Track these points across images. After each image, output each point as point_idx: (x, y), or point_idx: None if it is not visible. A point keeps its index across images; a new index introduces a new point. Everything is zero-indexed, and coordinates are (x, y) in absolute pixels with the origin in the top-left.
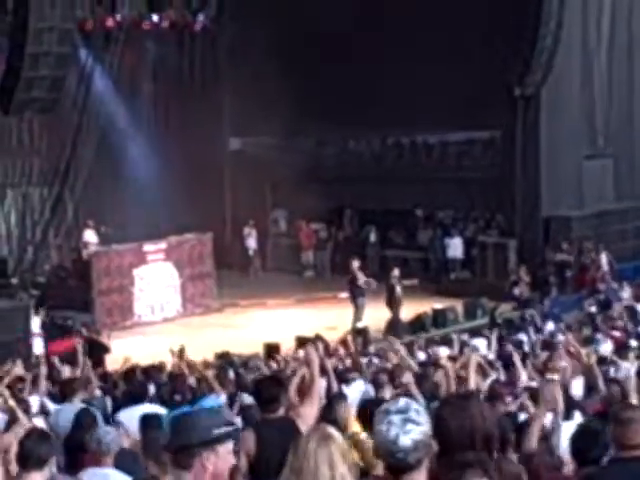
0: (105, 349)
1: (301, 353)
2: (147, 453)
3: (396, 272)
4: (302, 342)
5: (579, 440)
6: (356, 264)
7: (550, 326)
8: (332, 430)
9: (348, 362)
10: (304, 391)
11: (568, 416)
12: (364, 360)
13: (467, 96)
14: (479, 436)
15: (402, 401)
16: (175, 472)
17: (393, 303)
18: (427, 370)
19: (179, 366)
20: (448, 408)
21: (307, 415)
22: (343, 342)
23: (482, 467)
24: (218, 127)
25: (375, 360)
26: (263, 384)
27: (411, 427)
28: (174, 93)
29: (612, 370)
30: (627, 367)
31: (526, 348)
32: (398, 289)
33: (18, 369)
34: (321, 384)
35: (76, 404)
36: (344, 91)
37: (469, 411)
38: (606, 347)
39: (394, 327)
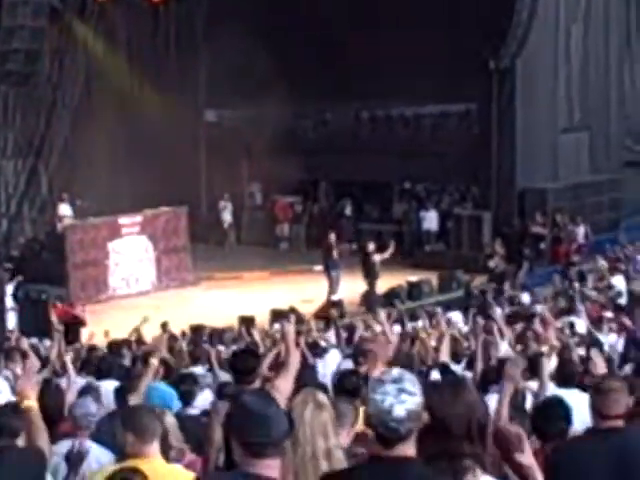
0: (81, 322)
1: (277, 327)
2: (126, 423)
3: (371, 246)
4: (277, 315)
5: (539, 415)
6: (333, 237)
7: (525, 298)
8: (324, 398)
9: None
10: (278, 365)
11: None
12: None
13: (442, 69)
14: (474, 425)
15: (396, 371)
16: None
17: (370, 276)
18: (400, 342)
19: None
20: (441, 394)
21: (283, 388)
22: (323, 315)
23: (476, 459)
24: (193, 99)
25: (344, 333)
26: (239, 356)
27: (405, 397)
28: (149, 64)
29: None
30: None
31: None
32: (375, 262)
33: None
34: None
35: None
36: (320, 64)
37: (465, 399)
38: (581, 319)
39: (369, 300)
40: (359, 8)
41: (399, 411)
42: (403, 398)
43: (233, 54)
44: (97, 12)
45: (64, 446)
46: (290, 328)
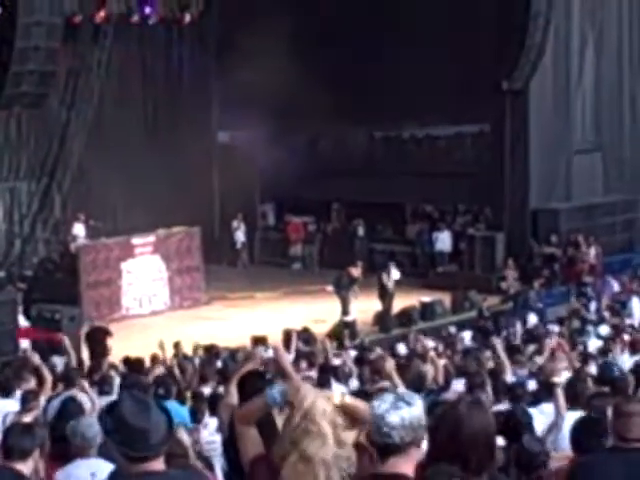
0: (106, 332)
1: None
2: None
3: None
4: (289, 335)
5: (581, 429)
6: (359, 272)
7: (533, 319)
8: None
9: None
10: None
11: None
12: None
13: (456, 90)
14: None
15: (400, 388)
16: None
17: (385, 296)
18: (412, 361)
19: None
20: (456, 408)
21: None
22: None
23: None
24: (207, 120)
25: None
26: (247, 378)
27: (402, 405)
28: (163, 86)
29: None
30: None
31: (513, 341)
32: (390, 283)
33: None
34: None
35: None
36: (334, 86)
37: (481, 417)
38: (594, 340)
39: (383, 320)
40: (374, 30)
41: (393, 418)
42: (399, 405)
43: (245, 76)
44: (111, 34)
45: None
46: (282, 352)
